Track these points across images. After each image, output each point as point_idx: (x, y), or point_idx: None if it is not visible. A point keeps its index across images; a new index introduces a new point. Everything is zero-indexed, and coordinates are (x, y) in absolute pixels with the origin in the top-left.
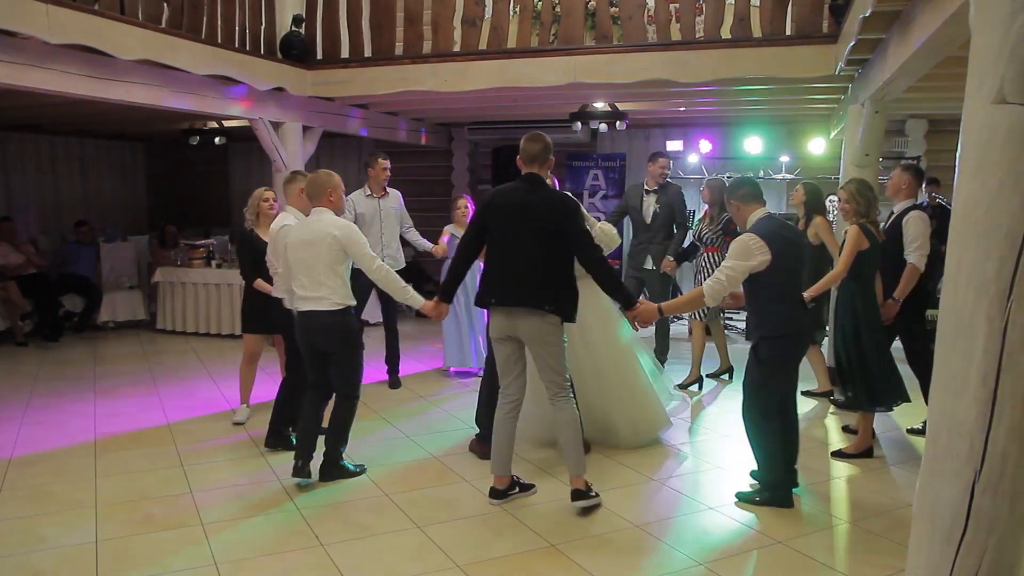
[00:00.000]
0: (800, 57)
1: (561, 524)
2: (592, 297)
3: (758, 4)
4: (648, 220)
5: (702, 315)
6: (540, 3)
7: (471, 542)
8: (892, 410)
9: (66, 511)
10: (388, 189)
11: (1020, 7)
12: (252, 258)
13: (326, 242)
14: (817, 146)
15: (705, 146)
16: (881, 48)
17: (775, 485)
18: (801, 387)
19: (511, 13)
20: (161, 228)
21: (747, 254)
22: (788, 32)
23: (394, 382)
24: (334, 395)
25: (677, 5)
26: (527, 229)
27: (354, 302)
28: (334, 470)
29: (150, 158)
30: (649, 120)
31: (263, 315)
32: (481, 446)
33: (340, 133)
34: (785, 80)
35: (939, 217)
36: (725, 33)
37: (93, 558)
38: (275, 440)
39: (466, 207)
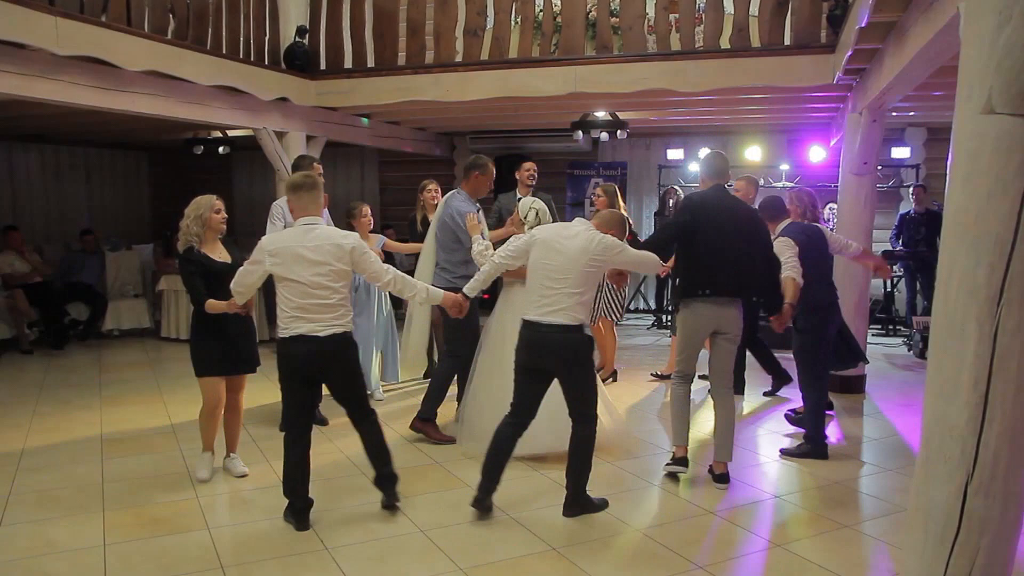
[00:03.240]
0: (798, 67)
1: (563, 528)
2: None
3: (757, 14)
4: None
5: (616, 315)
6: (541, 13)
7: (475, 546)
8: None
9: (74, 516)
10: None
11: (1007, 20)
12: (206, 283)
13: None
14: (816, 154)
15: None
16: (878, 58)
17: (816, 438)
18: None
19: (513, 23)
20: (166, 237)
21: (786, 249)
22: (786, 42)
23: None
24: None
25: (677, 15)
26: (736, 230)
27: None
28: (582, 502)
29: (154, 167)
30: (650, 129)
31: (219, 352)
32: (436, 431)
33: (344, 143)
34: (784, 89)
35: (927, 224)
36: (724, 43)
37: (101, 562)
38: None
39: (369, 215)
